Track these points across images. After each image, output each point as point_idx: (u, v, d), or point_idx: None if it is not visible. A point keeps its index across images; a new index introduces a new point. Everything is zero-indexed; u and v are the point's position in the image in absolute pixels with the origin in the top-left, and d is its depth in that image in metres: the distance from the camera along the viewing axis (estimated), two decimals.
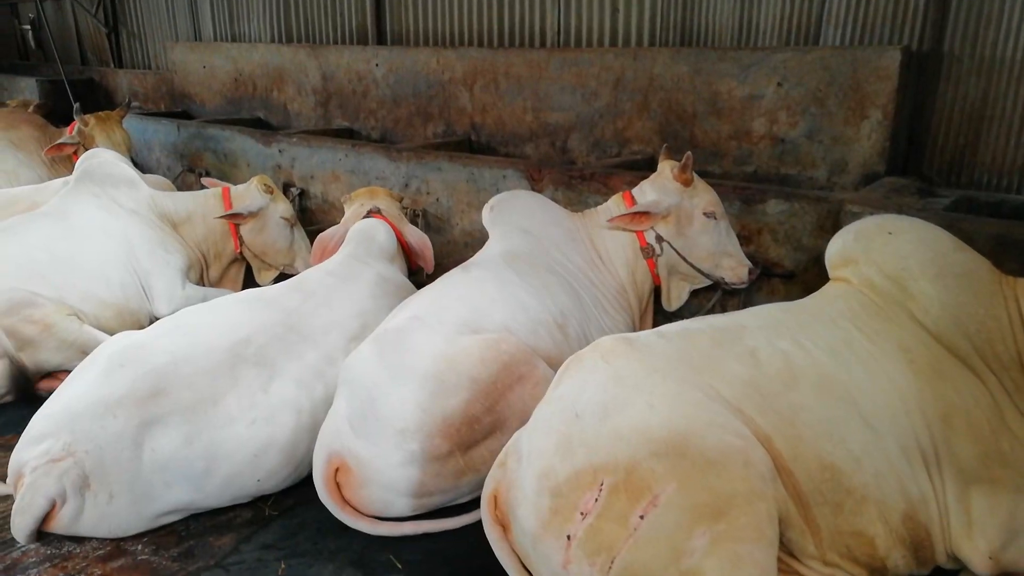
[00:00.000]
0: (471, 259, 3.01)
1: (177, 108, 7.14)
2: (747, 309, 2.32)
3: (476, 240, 4.21)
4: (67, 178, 4.29)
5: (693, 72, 3.96)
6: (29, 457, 2.18)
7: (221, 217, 3.92)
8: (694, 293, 3.26)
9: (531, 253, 2.98)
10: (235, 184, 4.28)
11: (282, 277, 4.33)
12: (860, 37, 3.71)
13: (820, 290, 2.38)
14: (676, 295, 3.20)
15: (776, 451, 1.89)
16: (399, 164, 4.45)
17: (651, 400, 1.91)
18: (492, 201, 3.21)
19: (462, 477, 2.29)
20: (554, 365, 2.49)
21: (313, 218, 4.97)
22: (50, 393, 3.16)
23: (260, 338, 2.50)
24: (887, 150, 3.48)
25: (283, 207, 4.22)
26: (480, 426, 2.29)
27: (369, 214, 3.39)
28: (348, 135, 5.72)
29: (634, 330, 3.15)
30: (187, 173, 5.85)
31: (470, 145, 5.06)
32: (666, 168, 3.05)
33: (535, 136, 4.73)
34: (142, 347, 2.38)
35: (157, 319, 3.73)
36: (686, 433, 1.81)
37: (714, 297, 3.31)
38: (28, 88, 8.04)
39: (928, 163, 3.66)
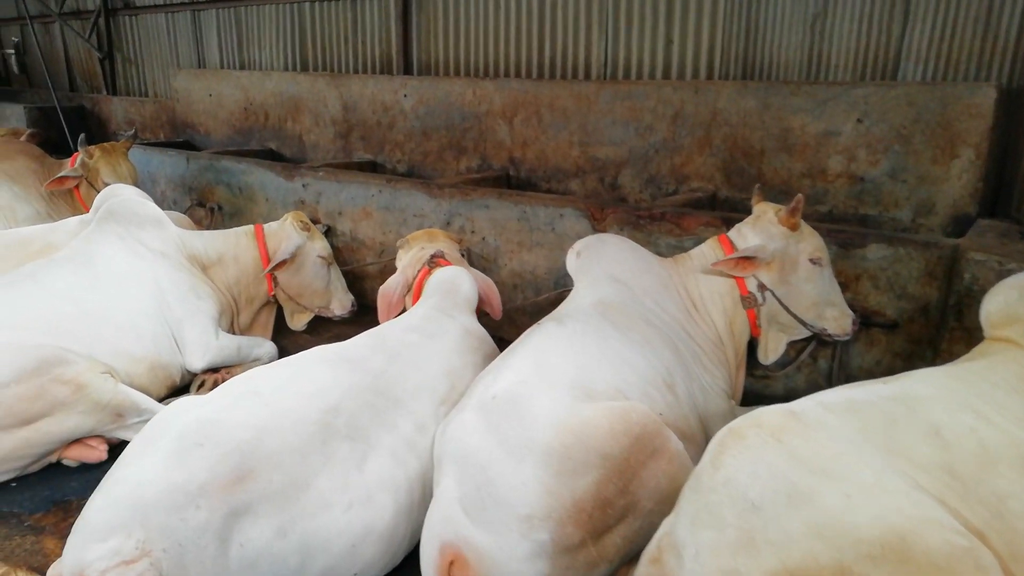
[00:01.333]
0: (559, 310, 2.74)
1: (178, 138, 6.80)
2: (906, 374, 2.08)
3: (526, 282, 3.96)
4: (83, 217, 3.95)
5: (762, 107, 3.77)
6: (94, 557, 1.83)
7: (268, 272, 3.64)
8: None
9: (625, 303, 2.72)
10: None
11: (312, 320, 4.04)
12: (943, 73, 3.57)
13: (980, 351, 2.15)
14: (773, 347, 2.97)
15: (994, 550, 1.64)
16: (440, 201, 4.18)
17: (847, 489, 1.65)
18: (577, 246, 2.95)
19: (594, 569, 2.00)
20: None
21: (341, 257, 4.66)
22: (78, 463, 2.85)
23: (350, 406, 2.20)
24: (979, 191, 3.31)
25: (320, 245, 3.93)
26: (613, 510, 2.01)
27: (432, 259, 3.11)
28: (371, 168, 5.45)
29: (731, 386, 2.91)
30: (196, 208, 5.52)
31: (508, 180, 4.82)
32: (769, 211, 2.83)
33: (582, 172, 4.50)
34: (219, 421, 2.05)
35: (190, 373, 3.42)
36: (902, 531, 1.56)
37: (808, 348, 3.09)
38: (15, 115, 7.64)
39: (1017, 205, 3.51)
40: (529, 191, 4.71)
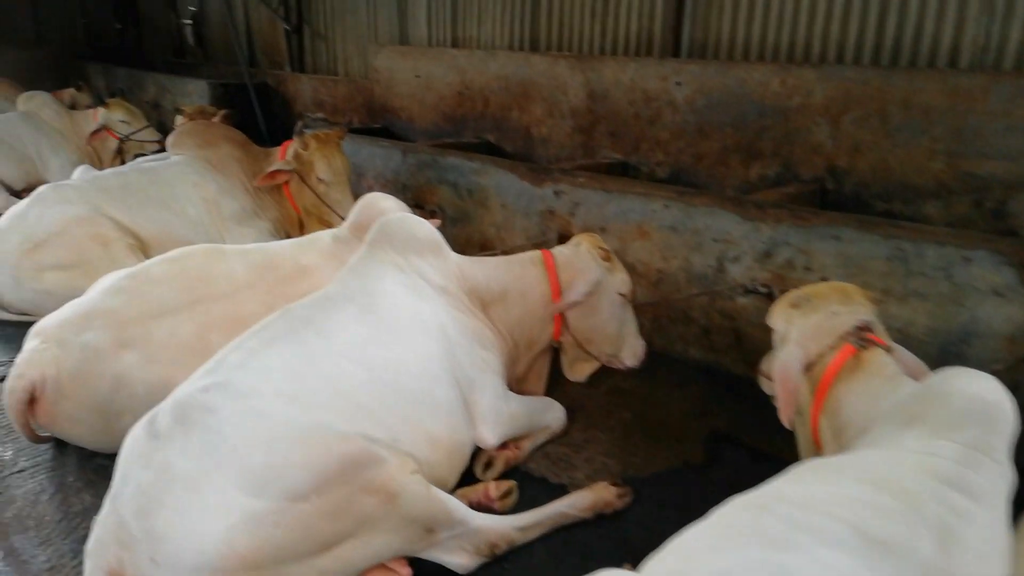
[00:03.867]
0: None
1: (375, 123, 6.11)
2: None
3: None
4: (335, 232, 3.24)
5: None
6: None
7: (559, 310, 2.81)
8: None
9: None
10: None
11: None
12: None
13: None
14: None
15: None
16: (759, 224, 3.22)
17: None
18: None
19: None
20: None
21: None
22: None
23: None
24: None
25: (620, 279, 3.06)
26: None
27: (861, 335, 2.15)
28: (620, 170, 4.54)
29: None
30: (412, 210, 4.78)
31: (823, 196, 3.80)
32: None
33: (946, 191, 3.42)
34: None
35: (478, 447, 2.63)
36: None
37: None
38: (198, 92, 7.19)
39: None
40: (855, 212, 3.68)
